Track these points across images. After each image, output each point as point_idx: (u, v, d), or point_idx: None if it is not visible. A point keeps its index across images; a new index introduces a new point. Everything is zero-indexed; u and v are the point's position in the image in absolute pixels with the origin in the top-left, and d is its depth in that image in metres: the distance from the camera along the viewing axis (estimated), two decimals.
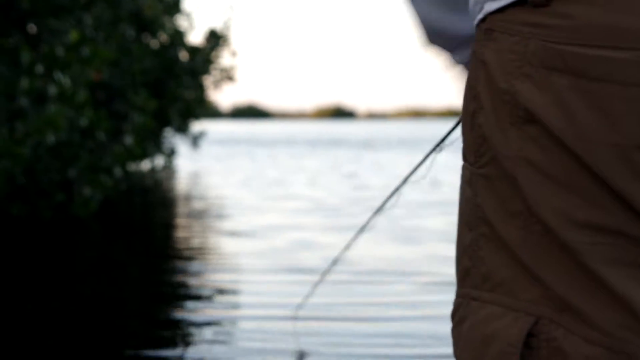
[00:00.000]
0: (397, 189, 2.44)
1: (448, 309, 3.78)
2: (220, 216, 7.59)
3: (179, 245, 5.80)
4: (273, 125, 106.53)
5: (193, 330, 3.50)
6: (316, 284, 3.68)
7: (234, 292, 4.28)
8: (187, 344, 3.28)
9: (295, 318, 3.62)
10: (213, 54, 14.48)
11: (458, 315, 0.88)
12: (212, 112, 15.84)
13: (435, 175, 12.65)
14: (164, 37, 13.20)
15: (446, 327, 3.52)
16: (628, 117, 0.77)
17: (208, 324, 3.60)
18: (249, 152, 22.58)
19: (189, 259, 5.26)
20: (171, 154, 14.74)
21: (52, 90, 6.85)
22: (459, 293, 0.89)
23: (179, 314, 3.75)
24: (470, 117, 0.87)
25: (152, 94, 12.90)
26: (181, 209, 8.32)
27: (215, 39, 14.53)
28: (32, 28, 7.50)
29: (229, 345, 3.27)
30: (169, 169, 14.96)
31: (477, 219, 0.86)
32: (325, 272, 3.29)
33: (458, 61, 1.03)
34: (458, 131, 1.54)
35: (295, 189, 10.61)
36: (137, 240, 6.11)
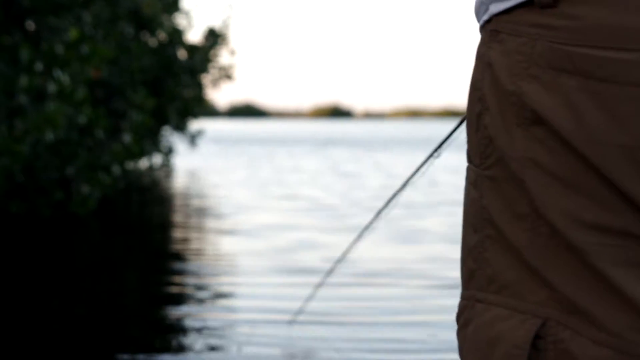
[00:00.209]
0: (397, 192, 2.44)
1: (449, 313, 3.78)
2: (218, 215, 7.59)
3: (177, 245, 5.79)
4: (270, 124, 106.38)
5: (190, 334, 3.46)
6: (317, 287, 3.63)
7: (232, 294, 4.25)
8: (183, 348, 3.25)
9: (292, 322, 3.58)
10: (212, 52, 14.47)
11: (463, 318, 0.88)
12: (209, 111, 15.82)
13: (434, 176, 12.65)
14: (162, 35, 13.19)
15: (447, 331, 3.51)
16: (636, 118, 0.77)
17: (205, 327, 3.56)
18: (247, 151, 22.56)
19: (187, 259, 5.24)
20: (169, 152, 14.73)
21: (52, 87, 6.84)
22: (463, 295, 0.89)
23: (176, 317, 3.71)
24: (476, 118, 0.87)
25: (150, 93, 12.90)
26: (179, 207, 8.32)
27: (214, 37, 14.52)
28: (30, 25, 7.49)
29: (226, 351, 3.24)
30: (166, 167, 14.95)
31: (482, 220, 0.86)
32: (327, 275, 3.25)
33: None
34: (456, 133, 1.54)
35: (294, 188, 10.60)
36: (135, 240, 6.11)
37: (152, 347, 3.25)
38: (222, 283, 4.51)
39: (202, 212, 7.88)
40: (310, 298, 3.78)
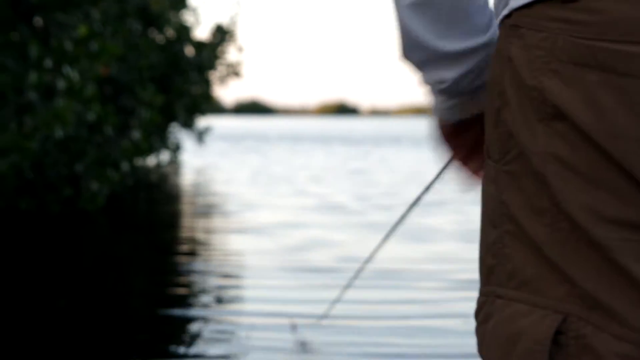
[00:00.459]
0: (420, 197, 2.43)
1: (463, 307, 3.76)
2: (226, 213, 7.58)
3: (185, 243, 5.77)
4: (276, 121, 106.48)
5: (197, 335, 3.41)
6: (344, 289, 3.55)
7: (240, 294, 4.19)
8: (190, 350, 3.21)
9: (317, 325, 3.49)
10: (219, 49, 14.48)
11: (482, 314, 0.87)
12: (216, 108, 15.84)
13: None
14: (170, 32, 13.20)
15: (459, 327, 3.50)
16: None
17: (212, 329, 3.51)
18: (254, 148, 22.58)
19: (195, 257, 5.21)
20: (177, 149, 14.75)
21: (61, 84, 6.85)
22: (482, 291, 0.88)
23: (184, 318, 3.64)
24: (495, 113, 0.86)
25: (158, 90, 12.91)
26: (187, 205, 8.33)
27: (222, 34, 14.53)
28: (38, 22, 7.50)
29: (234, 352, 3.19)
30: (174, 164, 14.97)
31: (501, 216, 0.85)
32: (354, 277, 3.14)
33: (426, 81, 1.01)
34: None
35: (302, 185, 10.59)
36: (142, 237, 6.10)
37: (158, 349, 3.22)
38: (230, 283, 4.46)
39: (210, 209, 7.88)
40: (338, 300, 3.66)
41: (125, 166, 8.10)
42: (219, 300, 4.00)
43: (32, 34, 7.32)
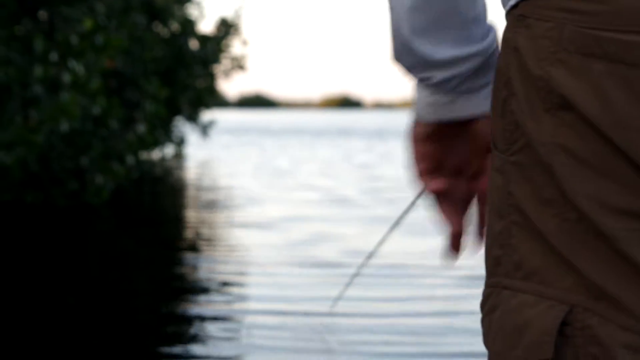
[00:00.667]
0: (413, 202, 2.42)
1: (470, 304, 3.74)
2: (231, 207, 7.58)
3: (190, 237, 5.76)
4: (280, 114, 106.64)
5: (201, 331, 3.42)
6: (352, 277, 3.54)
7: (246, 289, 4.17)
8: (194, 345, 3.22)
9: (331, 314, 3.51)
10: (224, 42, 14.46)
11: (488, 305, 0.86)
12: (220, 101, 15.86)
13: None
14: (174, 25, 13.19)
15: (467, 323, 3.48)
16: None
17: (217, 325, 3.51)
18: (258, 142, 22.59)
19: (200, 251, 5.20)
20: (181, 142, 14.76)
21: (66, 78, 6.84)
22: (489, 282, 0.87)
23: (189, 315, 3.62)
24: (502, 104, 0.86)
25: (162, 83, 12.91)
26: (192, 198, 8.32)
27: (226, 27, 14.51)
28: (42, 15, 7.48)
29: (239, 350, 3.20)
30: (179, 157, 14.98)
31: (508, 206, 0.85)
32: (361, 266, 3.14)
33: (413, 77, 0.99)
34: None
35: (307, 179, 10.59)
36: (148, 231, 6.10)
37: (165, 339, 3.21)
38: (235, 279, 4.44)
39: (214, 203, 7.87)
40: (347, 287, 3.70)
41: (130, 160, 8.09)
42: (224, 296, 3.98)
43: (36, 27, 7.30)
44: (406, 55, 0.94)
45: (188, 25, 13.43)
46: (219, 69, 15.10)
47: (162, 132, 12.66)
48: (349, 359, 2.94)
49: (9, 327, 3.40)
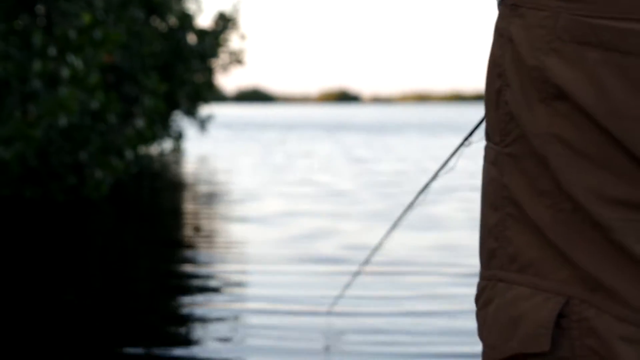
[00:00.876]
0: (428, 184, 2.43)
1: (471, 304, 3.73)
2: (230, 202, 7.56)
3: (189, 233, 5.73)
4: (278, 109, 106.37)
5: (201, 327, 3.39)
6: (354, 276, 3.49)
7: (245, 284, 4.14)
8: (194, 341, 3.19)
9: (330, 313, 3.46)
10: (222, 36, 14.43)
11: (483, 298, 0.86)
12: (218, 96, 15.84)
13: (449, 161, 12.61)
14: (172, 20, 13.16)
15: (468, 323, 3.48)
16: None
17: (216, 321, 3.47)
18: (256, 136, 22.55)
19: (199, 246, 5.17)
20: (179, 137, 14.74)
21: (65, 72, 6.83)
22: (484, 275, 0.87)
23: (188, 310, 3.59)
24: (496, 95, 0.85)
25: (161, 78, 12.88)
26: (190, 193, 8.31)
27: (224, 21, 14.47)
28: (40, 9, 7.46)
29: (237, 345, 3.17)
30: (177, 152, 14.96)
31: (503, 199, 0.84)
32: (363, 264, 3.09)
33: None
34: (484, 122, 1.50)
35: (306, 174, 10.57)
36: (146, 226, 6.08)
37: (164, 340, 3.20)
38: (234, 272, 4.41)
39: (213, 198, 7.86)
40: (348, 286, 3.62)
41: (129, 154, 8.08)
42: (223, 293, 3.95)
43: (33, 22, 7.28)
44: None
45: (186, 20, 13.40)
46: (217, 63, 15.07)
47: (160, 126, 12.64)
48: (348, 358, 2.93)
49: (7, 323, 3.40)
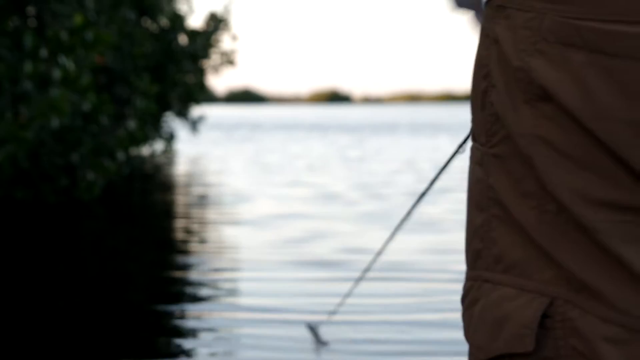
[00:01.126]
0: (428, 187, 2.46)
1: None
2: (221, 204, 7.54)
3: (181, 236, 5.66)
4: (269, 109, 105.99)
5: (192, 333, 3.35)
6: (355, 284, 3.41)
7: (238, 290, 4.09)
8: (185, 348, 3.15)
9: (327, 322, 3.41)
10: (213, 37, 14.42)
11: (469, 298, 0.86)
12: (209, 97, 15.82)
13: (441, 163, 12.64)
14: (164, 21, 13.14)
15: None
16: None
17: (209, 327, 3.43)
18: (248, 137, 22.50)
19: (190, 249, 5.12)
20: (171, 138, 14.72)
21: (56, 74, 6.82)
22: (470, 275, 0.87)
23: (179, 321, 3.51)
24: (481, 96, 0.86)
25: (152, 79, 12.87)
26: (182, 195, 8.29)
27: (216, 22, 14.47)
28: (30, 10, 7.45)
29: (231, 353, 3.15)
30: (169, 153, 14.94)
31: (488, 199, 0.84)
32: (366, 270, 3.05)
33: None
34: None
35: (299, 175, 10.54)
36: (138, 228, 6.05)
37: (152, 344, 3.17)
38: (226, 280, 4.35)
39: (205, 200, 7.83)
40: (348, 295, 3.53)
41: (121, 156, 8.07)
42: (215, 297, 3.91)
43: (24, 23, 7.27)
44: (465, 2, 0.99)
45: (177, 21, 13.39)
46: (208, 64, 15.06)
47: (151, 128, 12.62)
48: (348, 358, 2.92)
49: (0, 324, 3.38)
